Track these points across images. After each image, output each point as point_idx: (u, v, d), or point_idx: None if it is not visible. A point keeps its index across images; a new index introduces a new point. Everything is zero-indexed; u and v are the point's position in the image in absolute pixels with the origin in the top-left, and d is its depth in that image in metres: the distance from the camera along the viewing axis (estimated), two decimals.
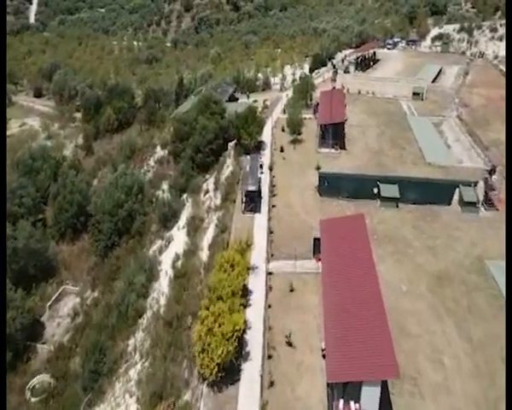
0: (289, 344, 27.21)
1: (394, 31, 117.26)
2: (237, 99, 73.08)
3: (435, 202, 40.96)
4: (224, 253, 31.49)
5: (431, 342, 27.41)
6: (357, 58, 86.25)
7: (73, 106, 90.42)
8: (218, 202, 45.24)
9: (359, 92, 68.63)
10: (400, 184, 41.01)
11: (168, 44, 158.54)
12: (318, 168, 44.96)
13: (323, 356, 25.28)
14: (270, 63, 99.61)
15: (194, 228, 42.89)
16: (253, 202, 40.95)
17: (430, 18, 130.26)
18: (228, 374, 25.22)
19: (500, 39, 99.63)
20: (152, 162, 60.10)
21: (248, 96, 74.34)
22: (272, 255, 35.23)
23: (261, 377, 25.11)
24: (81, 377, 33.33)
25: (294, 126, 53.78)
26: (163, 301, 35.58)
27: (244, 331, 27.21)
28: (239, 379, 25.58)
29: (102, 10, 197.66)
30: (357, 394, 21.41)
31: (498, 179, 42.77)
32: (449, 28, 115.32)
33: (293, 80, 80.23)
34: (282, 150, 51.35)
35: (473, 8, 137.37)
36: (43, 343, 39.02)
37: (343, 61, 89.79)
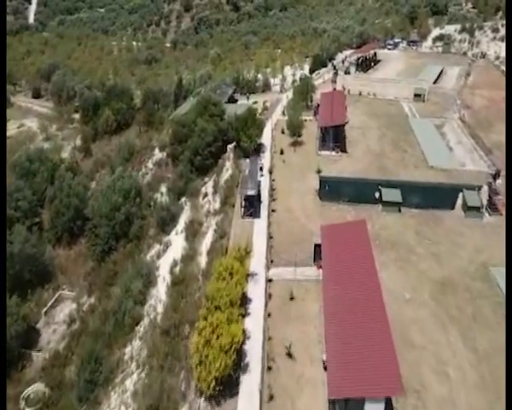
0: (289, 355, 26.45)
1: (395, 31, 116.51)
2: (237, 100, 72.39)
3: (438, 207, 40.22)
4: (222, 260, 30.73)
5: (435, 353, 26.67)
6: (358, 59, 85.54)
7: (72, 107, 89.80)
8: (217, 205, 44.52)
9: (360, 94, 67.92)
10: (402, 189, 40.28)
11: (167, 45, 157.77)
12: (319, 172, 44.24)
13: (325, 368, 24.54)
14: (269, 64, 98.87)
15: (193, 233, 42.16)
16: (252, 206, 40.22)
17: (431, 18, 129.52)
18: (226, 387, 24.46)
19: (502, 40, 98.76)
20: (150, 165, 59.33)
21: (248, 98, 73.71)
22: (272, 262, 34.48)
23: (260, 392, 24.31)
24: (76, 386, 32.54)
25: (294, 128, 53.06)
26: (160, 308, 34.84)
27: (243, 342, 26.44)
28: (237, 392, 24.81)
29: (102, 10, 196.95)
30: None
31: (503, 184, 42.02)
32: (450, 29, 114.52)
33: (294, 81, 79.49)
34: (281, 153, 50.61)
35: (473, 8, 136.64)
36: (39, 351, 38.26)
37: (343, 61, 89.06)
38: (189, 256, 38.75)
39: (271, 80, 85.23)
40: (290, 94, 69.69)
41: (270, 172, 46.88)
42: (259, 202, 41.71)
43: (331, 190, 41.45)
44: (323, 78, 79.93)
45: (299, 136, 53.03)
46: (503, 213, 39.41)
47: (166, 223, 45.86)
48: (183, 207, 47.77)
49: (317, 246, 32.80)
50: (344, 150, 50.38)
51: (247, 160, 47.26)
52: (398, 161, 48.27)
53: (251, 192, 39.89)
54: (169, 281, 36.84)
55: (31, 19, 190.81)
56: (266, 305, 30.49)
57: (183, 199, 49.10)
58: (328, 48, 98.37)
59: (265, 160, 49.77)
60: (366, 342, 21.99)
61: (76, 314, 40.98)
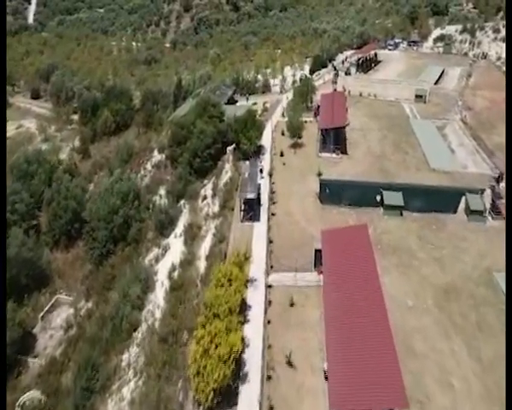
0: (289, 364, 25.86)
1: (395, 31, 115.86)
2: (236, 101, 71.80)
3: (441, 211, 39.62)
4: (221, 266, 30.11)
5: (439, 363, 26.06)
6: (359, 59, 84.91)
7: (71, 108, 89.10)
8: (216, 209, 43.95)
9: (361, 94, 67.32)
10: (404, 192, 39.67)
11: (167, 45, 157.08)
12: (319, 174, 43.65)
13: (326, 378, 23.97)
14: (269, 64, 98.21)
15: (192, 236, 41.60)
16: (251, 210, 39.63)
17: (431, 18, 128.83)
18: (225, 398, 23.87)
19: (503, 40, 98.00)
20: (149, 167, 58.68)
21: (248, 99, 73.12)
22: (272, 267, 33.89)
23: (260, 402, 23.71)
24: (73, 393, 31.98)
25: (294, 130, 52.46)
26: (158, 314, 34.27)
27: (242, 350, 25.85)
28: (236, 403, 24.21)
29: (101, 10, 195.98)
30: None
31: None
32: (451, 29, 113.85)
33: (294, 82, 78.87)
34: (282, 155, 50.03)
35: (474, 8, 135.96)
36: (35, 357, 37.66)
37: (343, 62, 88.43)
38: (188, 261, 38.18)
39: (271, 81, 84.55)
40: (290, 95, 69.10)
41: (270, 175, 46.29)
42: (259, 205, 41.13)
43: (332, 193, 40.86)
44: (324, 78, 79.30)
45: (300, 137, 52.44)
46: None
47: (165, 226, 45.28)
48: (181, 210, 47.19)
49: (318, 251, 32.22)
50: (345, 152, 49.82)
51: (247, 162, 46.71)
52: (399, 163, 47.70)
53: (250, 196, 39.30)
54: (167, 286, 36.30)
55: (30, 19, 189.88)
56: (266, 312, 29.92)
57: (182, 202, 48.51)
58: (328, 48, 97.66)
59: (265, 162, 49.19)
60: (368, 352, 21.41)
61: (73, 319, 40.38)
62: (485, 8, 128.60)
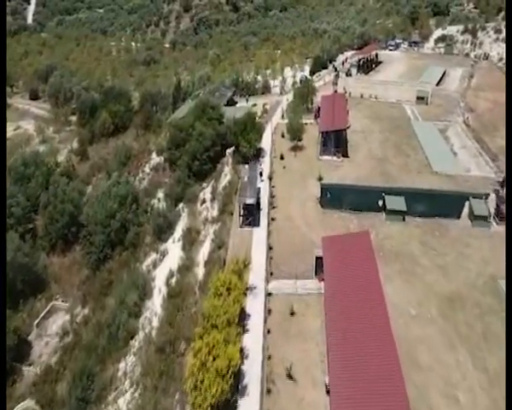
0: (290, 377, 25.10)
1: (396, 32, 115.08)
2: (236, 103, 71.05)
3: (444, 216, 38.82)
4: (219, 275, 29.32)
5: (444, 375, 25.30)
6: (359, 60, 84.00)
7: (69, 109, 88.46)
8: (215, 213, 43.23)
9: (362, 96, 66.55)
10: (407, 196, 38.87)
11: (167, 45, 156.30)
12: (320, 179, 42.89)
13: (327, 392, 23.22)
14: (269, 65, 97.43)
15: (190, 241, 40.89)
16: (251, 215, 38.89)
17: (432, 19, 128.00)
18: None
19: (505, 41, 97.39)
20: (147, 169, 57.95)
21: (247, 100, 72.36)
22: (272, 274, 33.14)
23: None
24: (68, 404, 31.32)
25: (295, 132, 51.67)
26: (156, 322, 33.56)
27: (241, 361, 25.12)
28: None
29: (101, 11, 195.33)
30: None
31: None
32: (452, 29, 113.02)
33: (294, 83, 78.12)
34: (282, 158, 49.26)
35: (475, 8, 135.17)
36: (30, 365, 36.99)
37: (343, 63, 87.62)
38: (186, 267, 37.46)
39: (271, 82, 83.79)
40: (290, 96, 68.33)
41: (270, 178, 45.55)
42: (259, 209, 40.39)
43: (333, 197, 40.09)
44: (324, 79, 78.55)
45: (300, 140, 51.66)
46: None
47: (163, 230, 44.61)
48: (180, 214, 46.48)
49: (319, 258, 31.48)
50: (345, 155, 49.04)
51: (246, 166, 45.96)
52: (401, 166, 46.93)
53: (250, 201, 38.55)
54: (165, 293, 35.58)
55: (29, 19, 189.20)
56: (265, 321, 29.16)
57: (181, 205, 47.81)
58: (328, 49, 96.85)
59: (265, 165, 48.43)
60: (371, 367, 20.66)
61: (69, 326, 39.74)
62: (486, 9, 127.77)
